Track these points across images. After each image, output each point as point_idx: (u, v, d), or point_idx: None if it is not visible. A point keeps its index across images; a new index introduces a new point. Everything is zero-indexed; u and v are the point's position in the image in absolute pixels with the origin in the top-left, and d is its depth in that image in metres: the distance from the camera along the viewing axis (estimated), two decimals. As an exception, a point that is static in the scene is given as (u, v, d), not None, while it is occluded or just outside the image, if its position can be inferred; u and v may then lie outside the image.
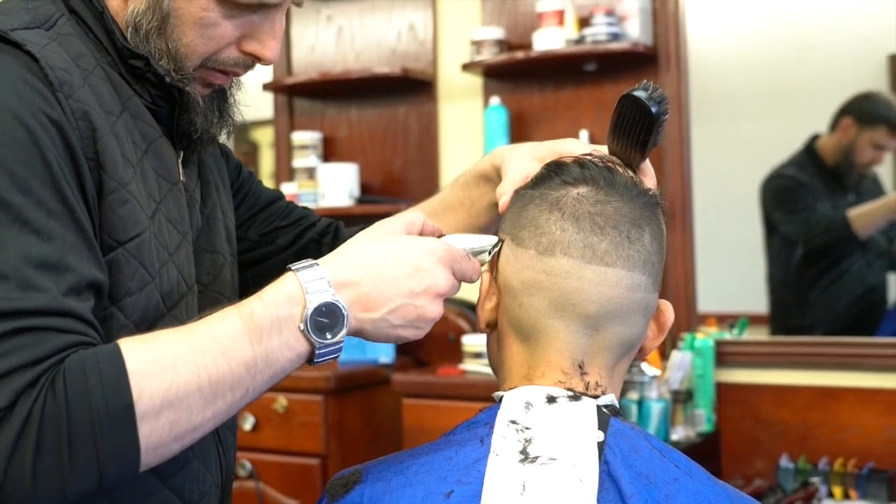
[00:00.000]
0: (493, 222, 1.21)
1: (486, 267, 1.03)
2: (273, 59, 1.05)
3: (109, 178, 0.91)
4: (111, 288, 0.91)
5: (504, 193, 1.06)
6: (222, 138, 1.14)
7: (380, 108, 3.39)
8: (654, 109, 0.98)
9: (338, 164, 3.32)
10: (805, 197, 3.08)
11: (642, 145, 1.02)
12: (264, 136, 3.92)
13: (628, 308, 0.97)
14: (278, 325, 0.87)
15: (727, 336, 2.88)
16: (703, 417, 2.73)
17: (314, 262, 0.91)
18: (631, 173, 1.02)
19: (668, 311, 1.03)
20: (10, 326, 0.78)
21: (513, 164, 1.10)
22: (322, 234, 1.33)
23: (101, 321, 0.89)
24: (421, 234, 0.98)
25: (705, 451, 2.71)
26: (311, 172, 3.33)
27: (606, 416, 0.94)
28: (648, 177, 1.05)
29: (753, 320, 3.04)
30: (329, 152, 3.44)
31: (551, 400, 0.95)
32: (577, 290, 0.96)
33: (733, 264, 3.44)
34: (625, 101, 0.99)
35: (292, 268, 0.90)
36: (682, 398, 2.67)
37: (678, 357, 2.69)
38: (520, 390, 0.97)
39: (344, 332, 0.90)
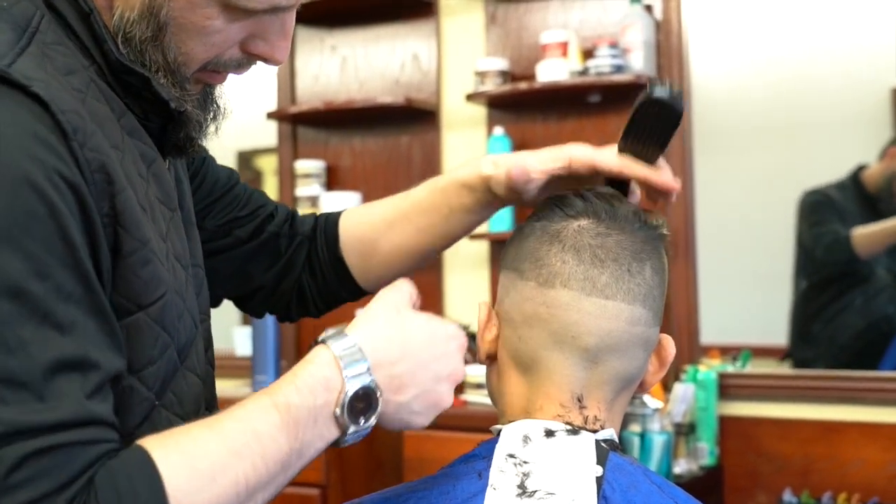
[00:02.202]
0: (465, 230, 1.20)
1: (484, 303, 1.03)
2: (283, 60, 0.96)
3: (129, 237, 0.82)
4: (130, 357, 0.82)
5: (533, 170, 1.07)
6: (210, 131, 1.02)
7: (383, 138, 3.40)
8: (680, 109, 0.98)
9: (341, 192, 3.33)
10: (828, 213, 3.08)
11: (662, 144, 1.02)
12: (268, 164, 3.93)
13: (628, 342, 0.96)
14: (314, 415, 0.81)
15: (730, 368, 2.87)
16: (705, 451, 2.71)
17: (346, 333, 0.85)
18: (633, 206, 1.01)
19: (670, 346, 1.02)
20: (34, 447, 0.70)
21: (534, 156, 1.09)
22: (280, 226, 1.25)
23: (119, 394, 0.81)
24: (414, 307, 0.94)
25: (708, 485, 2.70)
26: (314, 201, 3.33)
27: (605, 451, 0.93)
28: (665, 170, 1.04)
29: (756, 352, 3.03)
30: (332, 181, 3.45)
31: (549, 434, 0.94)
32: (576, 323, 0.95)
33: (736, 296, 3.44)
34: (647, 103, 0.99)
35: (327, 342, 0.84)
36: (685, 431, 2.65)
37: (681, 389, 2.68)
38: (518, 424, 0.96)
39: (376, 416, 0.85)
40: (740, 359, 2.90)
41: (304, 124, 3.52)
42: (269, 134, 3.59)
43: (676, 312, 2.85)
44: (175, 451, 0.75)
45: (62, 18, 0.87)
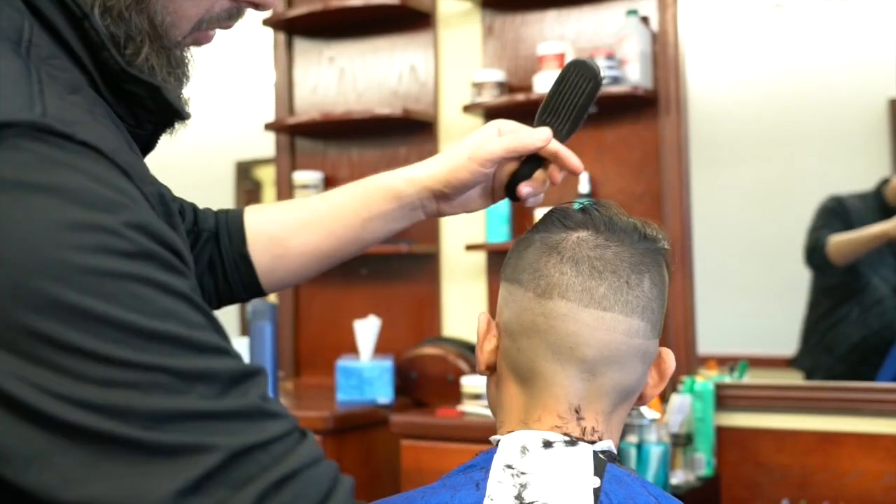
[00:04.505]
0: (380, 238, 1.20)
1: (484, 314, 1.04)
2: (277, 2, 0.92)
3: (185, 266, 0.75)
4: None
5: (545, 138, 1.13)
6: None
7: (381, 149, 3.40)
8: (597, 69, 1.07)
9: (338, 203, 3.33)
10: (829, 219, 3.09)
11: (579, 115, 1.10)
12: (266, 175, 3.94)
13: (626, 353, 0.96)
14: None
15: (727, 379, 2.87)
16: (702, 461, 2.72)
17: None
18: (634, 219, 1.02)
19: (670, 360, 1.02)
20: (280, 473, 0.69)
21: (475, 150, 1.15)
22: (191, 225, 1.19)
23: None
24: None
25: (705, 496, 2.70)
26: (311, 212, 3.34)
27: (603, 462, 0.94)
28: (571, 157, 1.12)
29: (754, 363, 3.03)
30: (330, 192, 3.45)
31: (547, 445, 0.94)
32: (574, 334, 0.96)
33: (733, 307, 3.44)
34: (569, 67, 1.08)
35: None
36: (682, 442, 2.65)
37: (678, 400, 2.68)
38: (516, 434, 0.96)
39: None
40: (737, 369, 2.91)
41: (302, 135, 3.53)
42: (267, 145, 3.60)
43: (673, 323, 2.86)
44: None
45: (47, 24, 0.78)
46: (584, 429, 0.97)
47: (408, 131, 3.32)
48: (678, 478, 2.61)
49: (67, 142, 0.67)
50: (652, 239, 1.00)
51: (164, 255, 0.68)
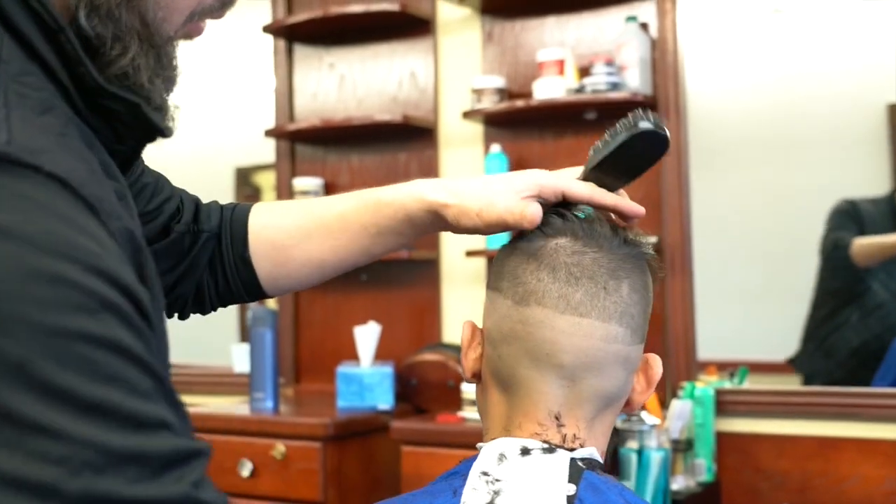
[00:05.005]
0: (389, 251, 1.15)
1: (468, 321, 1.03)
2: None
3: (156, 304, 0.72)
4: None
5: (535, 212, 0.99)
6: None
7: (381, 155, 3.41)
8: (667, 138, 0.97)
9: (339, 210, 3.33)
10: (845, 220, 3.10)
11: (636, 175, 1.02)
12: (266, 181, 3.94)
13: (604, 360, 0.96)
14: None
15: (727, 385, 2.87)
16: (703, 467, 2.72)
17: None
18: (614, 224, 1.01)
19: (657, 365, 1.02)
20: None
21: (507, 201, 1.01)
22: (189, 224, 1.14)
23: None
24: None
25: (706, 502, 2.70)
26: (311, 218, 3.34)
27: (580, 469, 0.94)
28: (632, 207, 1.02)
29: (754, 368, 3.03)
30: (330, 198, 3.45)
31: (525, 452, 0.95)
32: (550, 341, 0.95)
33: (733, 312, 3.44)
34: (636, 137, 0.96)
35: None
36: (682, 447, 2.65)
37: (678, 406, 2.68)
38: (497, 442, 0.97)
39: None
40: (737, 375, 2.91)
41: (302, 141, 3.54)
42: (267, 151, 3.61)
43: (673, 328, 2.86)
44: None
45: (21, 37, 0.71)
46: (565, 436, 0.97)
47: (408, 137, 3.33)
48: (679, 483, 2.61)
49: (34, 173, 0.63)
50: (633, 244, 1.00)
51: (123, 309, 0.63)
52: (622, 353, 0.97)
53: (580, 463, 0.94)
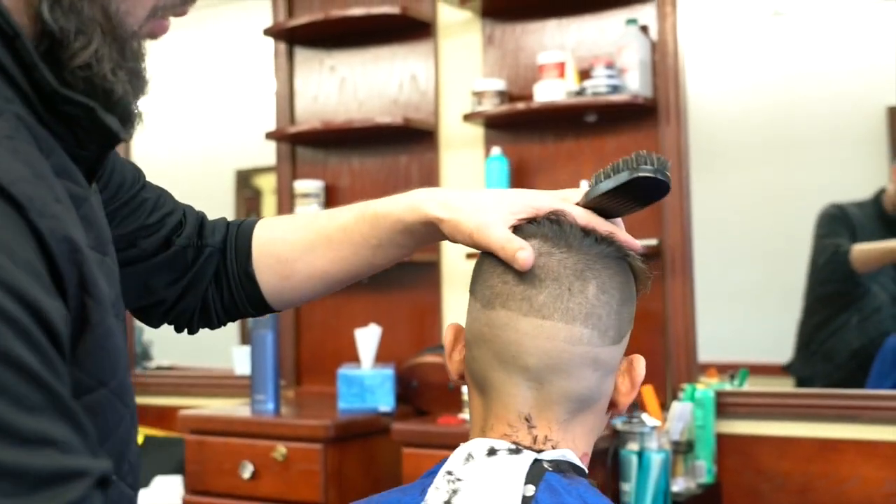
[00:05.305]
0: (391, 263, 1.15)
1: (451, 324, 1.03)
2: None
3: (97, 307, 0.72)
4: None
5: (522, 248, 0.97)
6: None
7: (382, 158, 3.41)
8: (669, 184, 0.97)
9: (339, 212, 3.33)
10: (838, 226, 3.11)
11: (636, 209, 1.02)
12: (267, 184, 3.95)
13: (569, 362, 0.95)
14: None
15: (728, 387, 2.87)
16: (703, 469, 2.72)
17: None
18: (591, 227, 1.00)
19: (640, 366, 1.01)
20: None
21: (497, 231, 1.00)
22: (191, 237, 1.15)
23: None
24: None
25: (706, 503, 2.70)
26: (312, 220, 3.34)
27: (542, 471, 0.93)
28: (621, 227, 1.02)
29: (754, 370, 3.03)
30: (331, 201, 3.46)
31: (492, 452, 0.95)
32: (515, 343, 0.95)
33: (734, 314, 3.44)
34: (635, 181, 0.97)
35: None
36: (683, 449, 2.66)
37: (678, 408, 2.68)
38: (470, 442, 0.97)
39: None
40: (738, 377, 2.91)
41: (302, 144, 3.54)
42: (267, 153, 3.61)
43: (674, 330, 2.86)
44: None
45: None
46: (536, 437, 0.97)
47: (408, 140, 3.33)
48: (679, 485, 2.62)
49: None
50: (607, 243, 0.98)
51: (22, 323, 0.61)
52: (590, 355, 0.96)
53: (546, 465, 0.94)
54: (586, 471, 0.99)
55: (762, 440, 2.78)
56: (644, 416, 2.57)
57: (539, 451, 0.95)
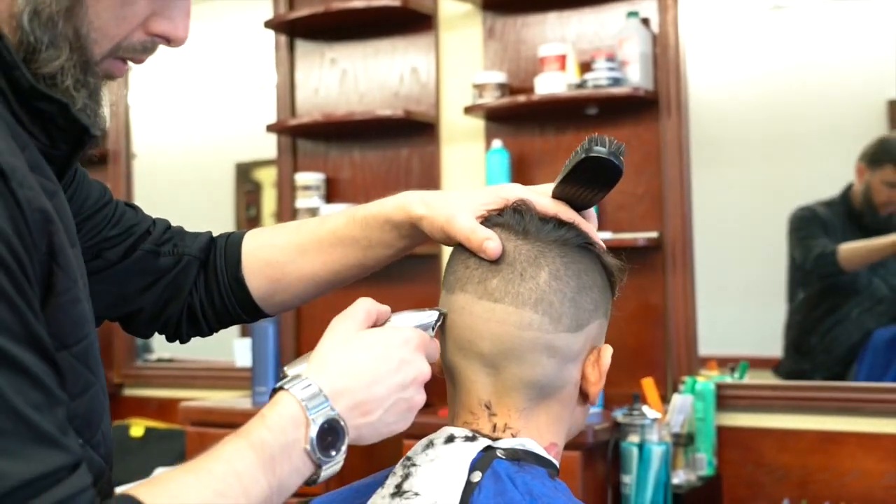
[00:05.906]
0: (381, 264, 1.18)
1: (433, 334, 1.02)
2: (185, 38, 0.92)
3: (64, 276, 0.80)
4: None
5: (489, 238, 0.99)
6: None
7: (382, 150, 3.41)
8: (621, 167, 0.97)
9: (341, 204, 3.34)
10: (815, 228, 3.13)
11: (598, 196, 1.02)
12: (267, 176, 3.95)
13: (521, 347, 0.96)
14: (287, 451, 0.84)
15: (728, 380, 2.88)
16: (703, 461, 2.72)
17: (304, 377, 0.87)
18: (551, 215, 1.00)
19: (605, 355, 1.01)
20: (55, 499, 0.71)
21: (463, 221, 1.02)
22: (157, 244, 1.19)
23: None
24: (377, 321, 0.96)
25: (706, 495, 2.70)
26: (313, 213, 3.35)
27: (492, 458, 0.94)
28: (592, 221, 1.03)
29: (754, 363, 3.04)
30: (332, 193, 3.46)
31: (450, 440, 0.97)
32: (469, 327, 0.97)
33: (734, 307, 3.45)
34: (587, 160, 0.97)
35: (285, 387, 0.86)
36: (683, 441, 2.66)
37: (679, 400, 2.69)
38: (440, 430, 0.99)
39: (346, 445, 0.88)
40: (738, 370, 2.91)
41: (303, 137, 3.54)
42: (268, 146, 3.61)
43: (674, 323, 2.86)
44: (164, 497, 0.77)
45: None
46: (495, 425, 0.98)
47: (409, 133, 3.33)
48: (679, 477, 2.62)
49: None
50: (566, 230, 0.99)
51: (5, 259, 0.72)
52: (541, 341, 0.96)
53: (499, 452, 0.95)
54: (554, 461, 0.98)
55: (762, 433, 2.79)
56: (645, 409, 2.57)
57: (496, 440, 0.96)
